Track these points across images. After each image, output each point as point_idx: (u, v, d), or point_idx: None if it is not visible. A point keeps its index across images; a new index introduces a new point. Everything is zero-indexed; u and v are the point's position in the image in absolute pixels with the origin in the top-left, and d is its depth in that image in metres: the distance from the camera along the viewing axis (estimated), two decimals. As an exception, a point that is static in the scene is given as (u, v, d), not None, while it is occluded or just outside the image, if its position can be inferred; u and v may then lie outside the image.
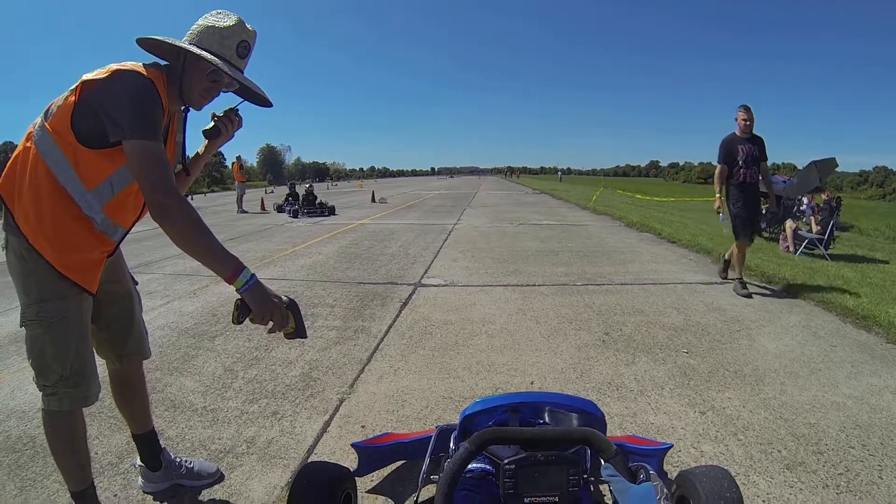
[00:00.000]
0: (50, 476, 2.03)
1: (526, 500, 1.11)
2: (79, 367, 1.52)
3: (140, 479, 1.97)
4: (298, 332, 1.43)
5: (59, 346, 1.49)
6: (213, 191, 49.95)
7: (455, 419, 1.93)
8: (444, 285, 5.42)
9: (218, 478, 2.03)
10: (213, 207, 18.60)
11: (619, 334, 3.76)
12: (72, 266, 1.50)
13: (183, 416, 2.58)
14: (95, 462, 2.07)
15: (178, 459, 2.01)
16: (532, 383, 2.96)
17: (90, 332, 1.60)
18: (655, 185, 61.10)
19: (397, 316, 4.30)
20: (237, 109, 1.79)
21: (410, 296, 4.96)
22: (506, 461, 1.12)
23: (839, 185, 71.68)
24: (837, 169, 9.61)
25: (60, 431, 1.56)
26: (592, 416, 1.59)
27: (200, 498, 1.94)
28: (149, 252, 7.59)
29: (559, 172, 63.06)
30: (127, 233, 1.68)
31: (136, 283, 1.88)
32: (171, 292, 5.10)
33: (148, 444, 1.93)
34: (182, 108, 1.66)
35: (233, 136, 1.82)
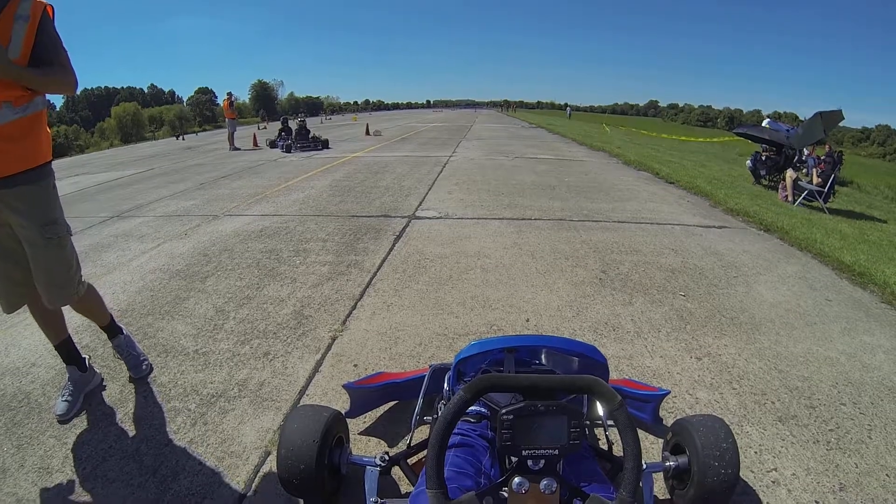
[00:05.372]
0: (45, 432, 1.99)
1: (524, 453, 1.02)
2: None
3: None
4: None
5: None
6: (204, 129, 48.94)
7: (449, 357, 1.86)
8: (438, 218, 5.28)
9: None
10: (204, 146, 17.75)
11: (616, 273, 3.71)
12: None
13: (175, 360, 2.51)
14: (90, 414, 2.12)
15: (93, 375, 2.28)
16: (528, 321, 2.92)
17: None
18: (654, 125, 59.54)
19: (391, 249, 4.19)
20: None
21: (404, 229, 4.83)
22: (503, 411, 1.01)
23: (840, 140, 70.16)
24: (840, 123, 9.32)
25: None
26: (594, 361, 1.51)
27: (192, 445, 1.90)
28: (140, 195, 7.34)
29: (567, 108, 60.05)
30: None
31: (49, 238, 1.84)
32: (162, 234, 4.91)
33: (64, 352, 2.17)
34: None
35: None
